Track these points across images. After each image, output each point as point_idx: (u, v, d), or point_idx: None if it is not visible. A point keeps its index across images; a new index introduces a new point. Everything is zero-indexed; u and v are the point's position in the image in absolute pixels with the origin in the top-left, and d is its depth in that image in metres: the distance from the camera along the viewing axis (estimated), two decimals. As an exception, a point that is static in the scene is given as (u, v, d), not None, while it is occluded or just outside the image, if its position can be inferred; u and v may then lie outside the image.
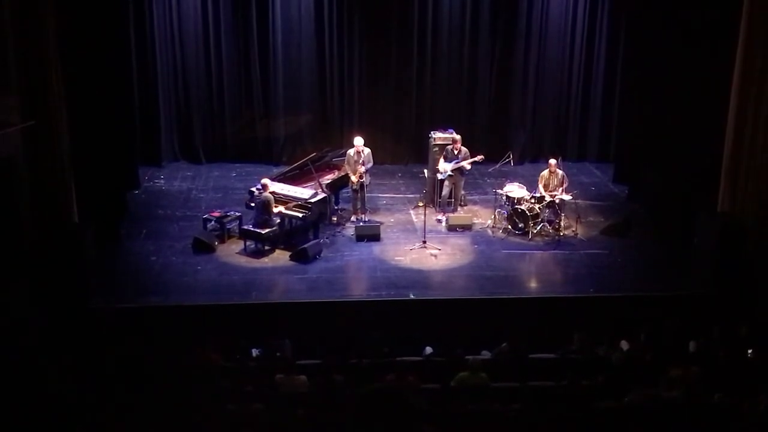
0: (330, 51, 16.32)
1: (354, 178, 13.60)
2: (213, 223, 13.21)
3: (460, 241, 13.28)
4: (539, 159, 16.52)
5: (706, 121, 12.78)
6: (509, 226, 13.47)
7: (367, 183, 13.85)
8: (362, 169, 13.55)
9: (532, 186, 13.80)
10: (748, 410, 8.13)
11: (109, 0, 13.06)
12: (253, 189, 13.19)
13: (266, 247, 12.62)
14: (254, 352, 10.03)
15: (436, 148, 14.27)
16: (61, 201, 11.43)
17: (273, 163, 16.42)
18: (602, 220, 14.15)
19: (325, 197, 13.17)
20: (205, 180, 15.85)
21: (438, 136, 14.40)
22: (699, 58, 12.90)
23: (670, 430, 8.06)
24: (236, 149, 16.71)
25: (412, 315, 11.25)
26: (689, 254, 12.47)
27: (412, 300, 11.44)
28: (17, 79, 10.72)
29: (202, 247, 12.66)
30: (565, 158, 15.29)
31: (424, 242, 12.92)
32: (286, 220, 12.99)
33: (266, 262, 12.44)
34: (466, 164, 13.86)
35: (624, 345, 9.92)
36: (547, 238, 13.31)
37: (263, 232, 12.49)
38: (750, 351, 9.56)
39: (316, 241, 12.77)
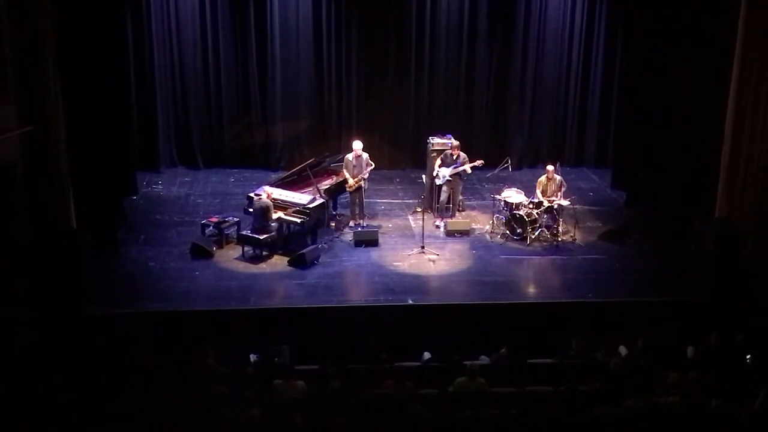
0: (328, 56, 16.31)
1: (351, 182, 13.61)
2: (211, 228, 13.21)
3: (459, 246, 13.29)
4: (537, 164, 16.53)
5: (703, 127, 12.79)
6: (507, 232, 13.48)
7: (365, 187, 13.86)
8: (366, 175, 13.60)
9: (530, 191, 13.82)
10: (746, 416, 8.13)
11: (107, 6, 13.07)
12: (252, 194, 13.19)
13: (264, 253, 12.61)
14: (252, 357, 10.03)
15: (434, 154, 14.28)
16: (58, 207, 11.40)
17: (271, 168, 16.39)
18: (600, 225, 14.16)
19: (323, 202, 13.18)
20: (203, 185, 15.82)
21: (436, 142, 14.41)
22: (696, 64, 12.90)
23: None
24: (234, 155, 16.69)
25: (411, 320, 11.25)
26: (687, 260, 12.47)
27: (410, 305, 11.43)
28: (15, 86, 10.72)
29: (200, 253, 12.66)
30: (562, 164, 15.29)
31: (423, 248, 12.92)
32: (285, 225, 12.99)
33: (264, 267, 12.43)
34: (468, 168, 13.83)
35: (622, 350, 9.92)
36: (545, 244, 13.32)
37: (261, 237, 12.48)
38: (748, 357, 9.56)
39: (314, 246, 12.77)
